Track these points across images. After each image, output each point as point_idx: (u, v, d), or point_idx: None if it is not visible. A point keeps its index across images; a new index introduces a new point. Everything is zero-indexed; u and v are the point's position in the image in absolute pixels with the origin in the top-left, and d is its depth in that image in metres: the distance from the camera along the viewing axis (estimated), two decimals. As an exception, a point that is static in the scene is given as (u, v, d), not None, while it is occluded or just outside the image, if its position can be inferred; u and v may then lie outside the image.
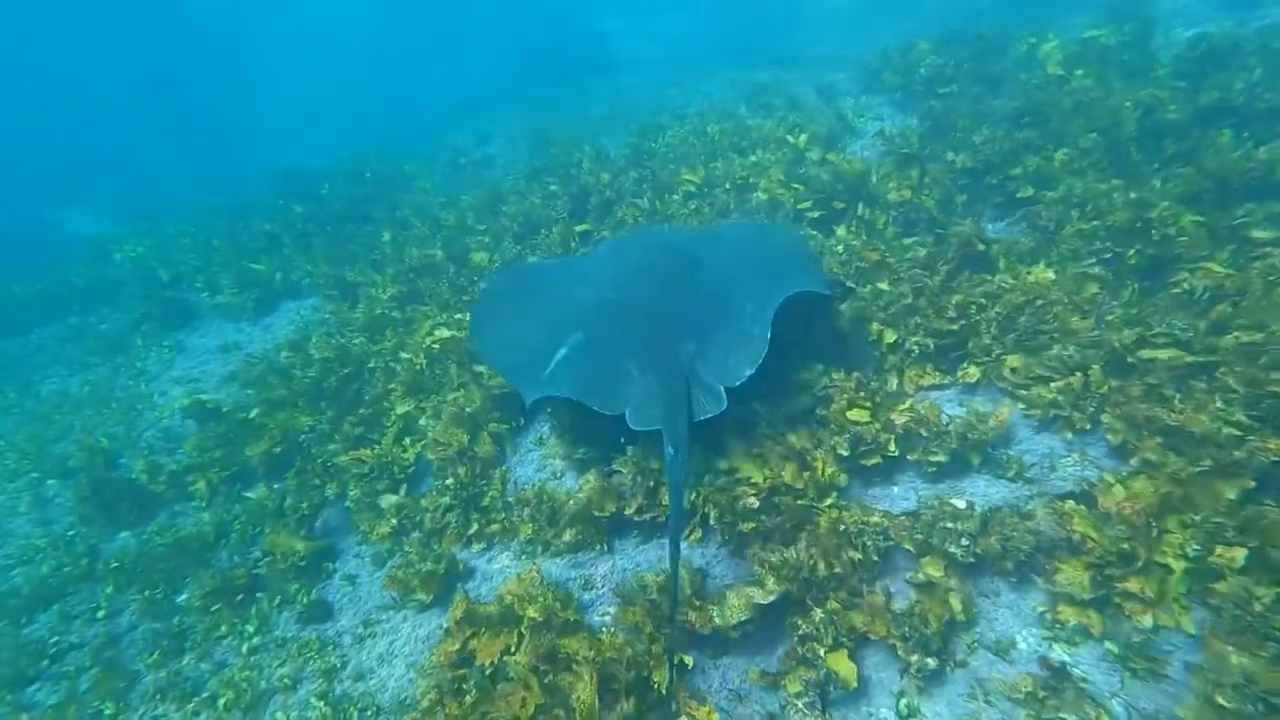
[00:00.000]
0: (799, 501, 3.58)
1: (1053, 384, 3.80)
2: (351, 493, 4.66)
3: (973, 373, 4.17)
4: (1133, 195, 4.69)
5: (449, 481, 4.44)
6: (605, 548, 3.95)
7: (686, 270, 4.52)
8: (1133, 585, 2.88)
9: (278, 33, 26.13)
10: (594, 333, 4.13)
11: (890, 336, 4.38)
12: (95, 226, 16.25)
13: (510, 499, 4.35)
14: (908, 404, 3.92)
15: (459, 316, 5.80)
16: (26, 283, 9.51)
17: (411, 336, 5.82)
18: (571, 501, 4.00)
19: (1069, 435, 3.69)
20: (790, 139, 7.45)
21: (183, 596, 4.57)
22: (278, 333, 7.20)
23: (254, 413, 5.54)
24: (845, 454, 3.77)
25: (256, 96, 21.64)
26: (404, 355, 5.56)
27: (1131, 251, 4.36)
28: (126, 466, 5.68)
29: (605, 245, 5.92)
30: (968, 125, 6.48)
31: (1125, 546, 2.92)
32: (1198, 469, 3.09)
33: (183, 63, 24.86)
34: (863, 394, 3.95)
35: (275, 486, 5.00)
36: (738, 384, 3.67)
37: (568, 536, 3.97)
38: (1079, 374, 3.74)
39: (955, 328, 4.25)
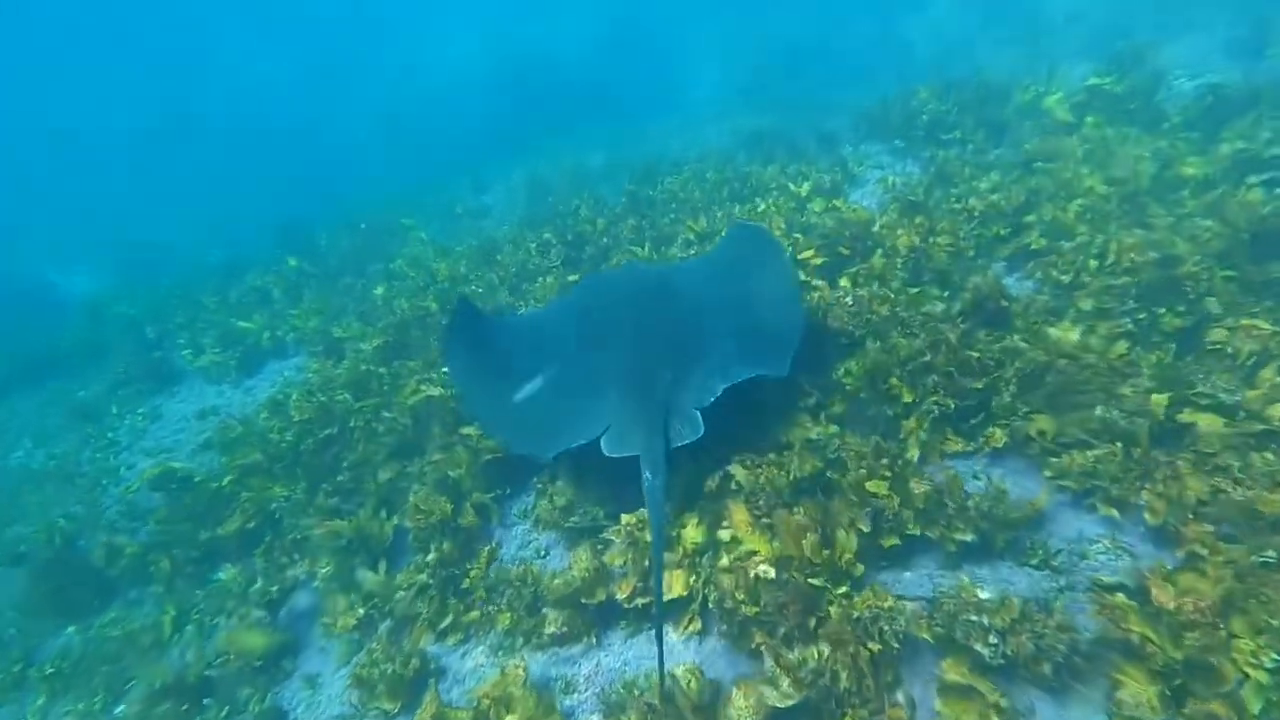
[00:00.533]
0: (810, 581, 3.20)
1: (1089, 452, 3.45)
2: (323, 570, 4.26)
3: (998, 436, 3.83)
4: (1156, 250, 4.44)
5: (429, 557, 4.07)
6: (592, 640, 3.54)
7: (663, 300, 4.52)
8: (1217, 708, 2.47)
9: (287, 80, 26.43)
10: (570, 365, 4.17)
11: (908, 396, 4.05)
12: (97, 283, 16.13)
13: (493, 578, 3.96)
14: (927, 475, 3.57)
15: (447, 371, 5.51)
16: (14, 344, 9.25)
17: (397, 394, 5.50)
18: (557, 582, 3.61)
19: (1103, 513, 3.33)
20: (792, 186, 7.28)
21: (121, 708, 4.08)
22: (259, 395, 6.86)
23: (226, 480, 5.17)
24: (866, 530, 3.40)
25: (269, 145, 21.66)
26: (386, 415, 5.23)
27: (1164, 310, 4.09)
28: (85, 549, 5.20)
29: (579, 284, 5.98)
30: (974, 172, 6.29)
31: (1196, 652, 2.54)
32: (1261, 559, 2.74)
33: (196, 111, 25.03)
34: (883, 461, 3.60)
35: (242, 566, 4.60)
36: (711, 400, 3.68)
37: (550, 628, 3.57)
38: (1117, 442, 3.41)
39: (978, 386, 3.93)
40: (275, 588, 4.33)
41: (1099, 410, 3.54)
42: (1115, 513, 3.29)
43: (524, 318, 5.69)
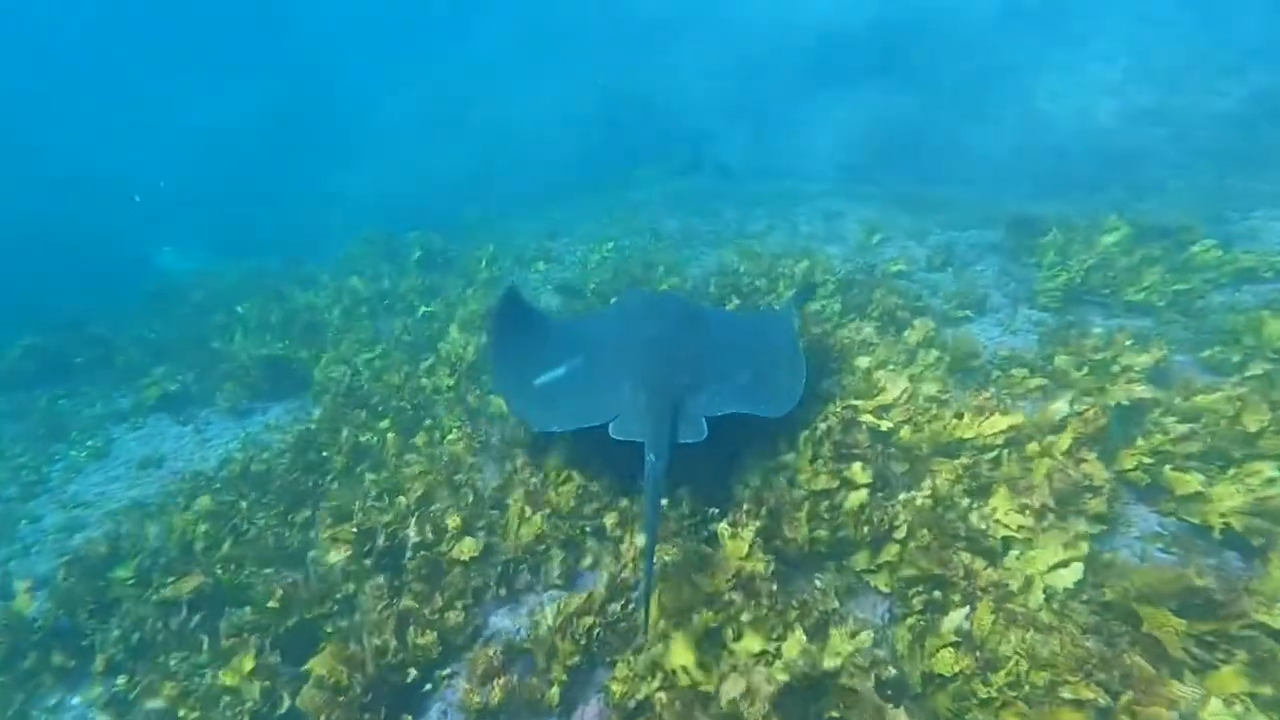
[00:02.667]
0: None
1: None
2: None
3: None
4: None
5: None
6: None
7: (691, 325, 4.83)
8: None
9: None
10: (594, 357, 4.49)
11: None
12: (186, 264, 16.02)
13: None
14: None
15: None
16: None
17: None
18: None
19: None
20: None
21: None
22: (211, 453, 5.76)
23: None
24: None
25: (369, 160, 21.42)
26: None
27: None
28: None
29: (620, 298, 6.62)
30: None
31: None
32: None
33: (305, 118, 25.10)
34: None
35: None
36: (719, 414, 3.89)
37: None
38: None
39: None
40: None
41: None
42: None
43: (564, 318, 6.24)
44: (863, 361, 4.90)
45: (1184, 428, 4.06)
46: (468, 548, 3.75)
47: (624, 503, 4.06)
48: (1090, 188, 11.90)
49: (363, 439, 4.95)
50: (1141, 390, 4.56)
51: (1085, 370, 4.99)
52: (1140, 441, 4.02)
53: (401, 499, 4.16)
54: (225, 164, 21.90)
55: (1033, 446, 3.90)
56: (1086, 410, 4.07)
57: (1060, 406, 4.11)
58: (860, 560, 3.55)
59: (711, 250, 9.75)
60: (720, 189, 14.23)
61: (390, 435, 4.91)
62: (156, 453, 5.86)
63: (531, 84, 23.26)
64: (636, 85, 19.83)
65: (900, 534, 3.49)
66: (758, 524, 3.49)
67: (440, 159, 20.32)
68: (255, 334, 7.59)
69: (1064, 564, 3.29)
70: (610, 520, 3.94)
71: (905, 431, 4.16)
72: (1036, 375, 4.92)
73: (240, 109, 25.17)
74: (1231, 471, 3.72)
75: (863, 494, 3.75)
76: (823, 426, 4.11)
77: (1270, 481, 3.61)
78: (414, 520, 3.83)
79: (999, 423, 4.03)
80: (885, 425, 4.13)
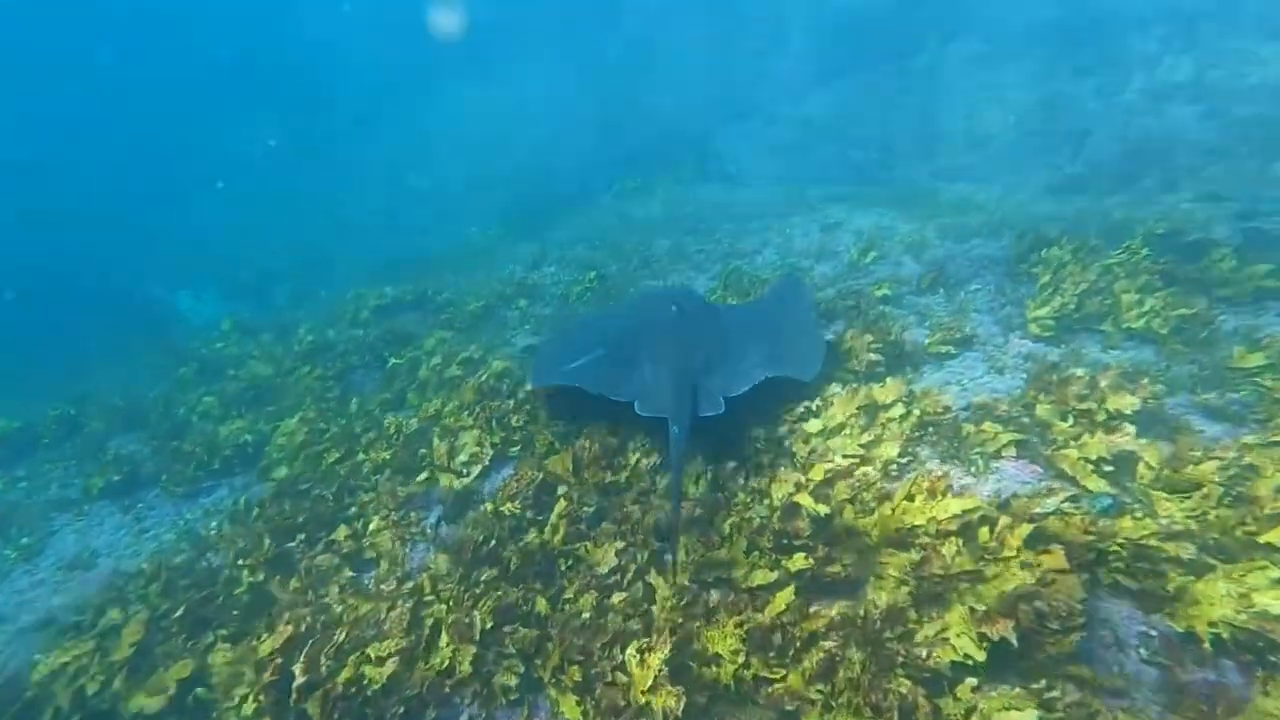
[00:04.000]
0: None
1: None
2: None
3: None
4: None
5: None
6: None
7: (706, 316, 5.32)
8: None
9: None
10: (617, 344, 4.88)
11: None
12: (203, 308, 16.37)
13: None
14: None
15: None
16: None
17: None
18: None
19: None
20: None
21: None
22: (149, 544, 5.41)
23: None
24: None
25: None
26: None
27: None
28: None
29: (636, 293, 7.82)
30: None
31: None
32: None
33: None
34: None
35: None
36: (736, 394, 4.23)
37: None
38: None
39: None
40: None
41: None
42: None
43: (588, 314, 7.35)
44: (813, 426, 4.47)
45: (1174, 507, 3.56)
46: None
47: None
48: (1119, 179, 11.05)
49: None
50: (1125, 440, 4.07)
51: (1070, 421, 4.50)
52: (1125, 522, 3.52)
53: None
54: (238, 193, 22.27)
55: (986, 536, 3.45)
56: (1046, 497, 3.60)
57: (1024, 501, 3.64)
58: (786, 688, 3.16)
59: (698, 274, 9.36)
60: (723, 199, 13.77)
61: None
62: (88, 549, 5.53)
63: (541, 90, 22.97)
64: (639, 91, 19.37)
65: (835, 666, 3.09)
66: (668, 649, 3.15)
67: (453, 176, 20.29)
68: (217, 402, 7.47)
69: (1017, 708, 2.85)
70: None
71: (848, 513, 3.75)
72: (1010, 430, 4.43)
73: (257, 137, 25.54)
74: (1228, 568, 3.21)
75: (789, 594, 3.39)
76: (759, 514, 3.75)
77: (1276, 583, 3.09)
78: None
79: (951, 506, 3.59)
80: (822, 509, 3.71)
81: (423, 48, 26.21)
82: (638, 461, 4.48)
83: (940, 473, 3.79)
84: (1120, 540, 3.42)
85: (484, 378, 5.93)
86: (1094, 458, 4.11)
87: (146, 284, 17.04)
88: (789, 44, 17.25)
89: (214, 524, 5.19)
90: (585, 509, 4.05)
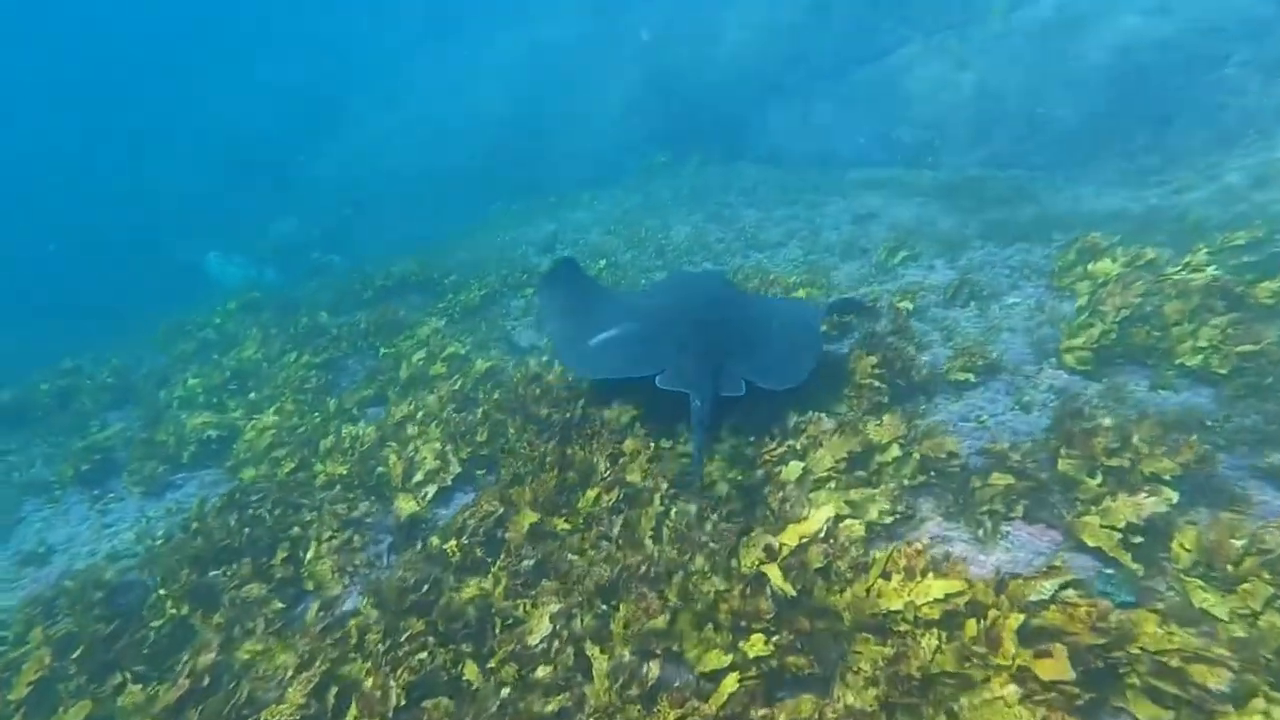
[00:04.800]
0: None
1: None
2: None
3: None
4: None
5: None
6: None
7: (731, 303, 5.33)
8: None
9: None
10: (644, 322, 4.90)
11: None
12: (231, 270, 16.45)
13: None
14: None
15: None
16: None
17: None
18: None
19: None
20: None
21: None
22: (106, 543, 5.18)
23: None
24: None
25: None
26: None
27: None
28: None
29: (667, 276, 7.76)
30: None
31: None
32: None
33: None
34: None
35: None
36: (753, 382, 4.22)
37: None
38: None
39: None
40: None
41: None
42: None
43: (614, 289, 7.12)
44: (794, 470, 3.92)
45: (1215, 601, 2.95)
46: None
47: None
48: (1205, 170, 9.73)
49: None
50: (1159, 505, 3.46)
51: (1098, 479, 3.87)
52: (1148, 623, 2.93)
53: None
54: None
55: (973, 630, 2.91)
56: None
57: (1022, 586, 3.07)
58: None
59: (715, 266, 8.77)
60: (757, 179, 12.99)
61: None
62: (46, 544, 5.27)
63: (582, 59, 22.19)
64: (679, 60, 18.41)
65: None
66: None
67: (476, 147, 19.87)
68: (200, 386, 7.21)
69: None
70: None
71: (819, 591, 3.24)
72: (1026, 483, 3.82)
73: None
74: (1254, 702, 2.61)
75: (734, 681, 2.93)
76: (718, 584, 3.26)
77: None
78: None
79: (932, 589, 3.05)
80: (790, 591, 3.20)
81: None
82: (597, 498, 4.02)
83: (921, 545, 3.22)
84: (1140, 644, 2.84)
85: (457, 385, 5.54)
86: (1121, 525, 3.51)
87: (176, 247, 17.21)
88: (831, 12, 16.04)
89: (160, 532, 4.95)
90: (525, 562, 3.62)
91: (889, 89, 14.69)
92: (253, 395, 6.86)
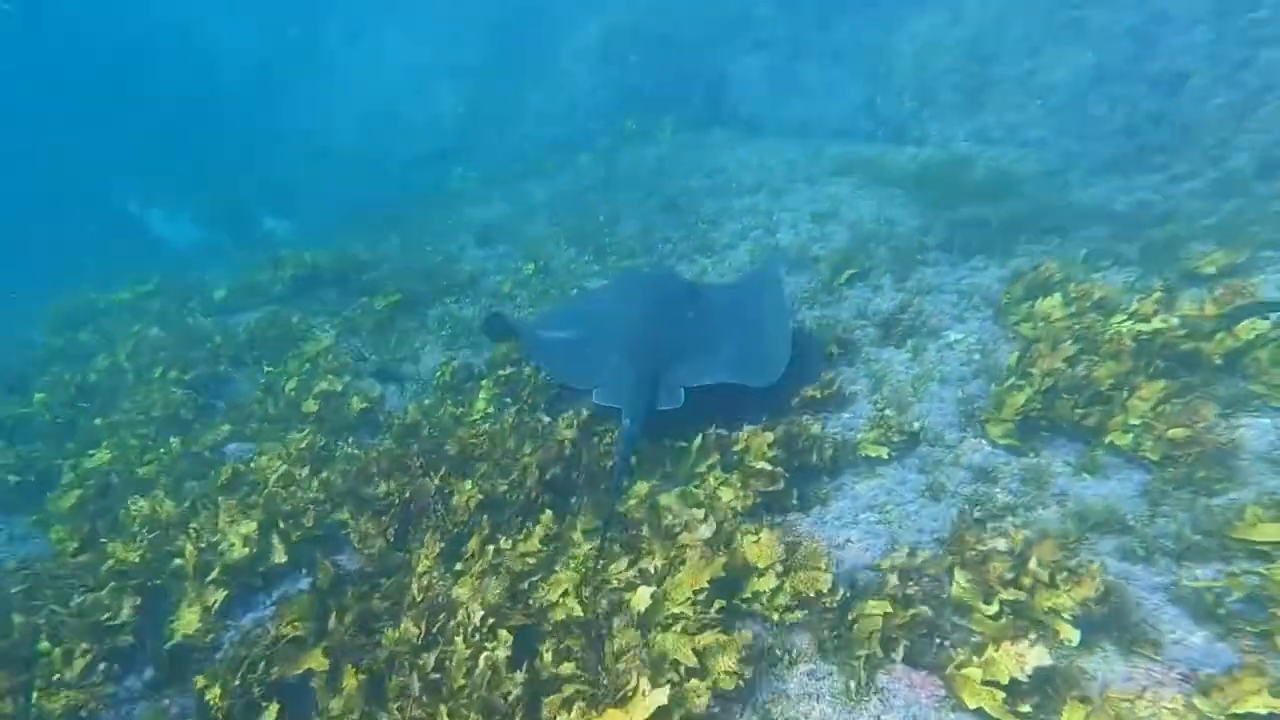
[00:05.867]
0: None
1: None
2: None
3: None
4: None
5: None
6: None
7: (681, 301, 5.32)
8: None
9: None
10: (590, 328, 5.21)
11: None
12: (179, 231, 15.88)
13: None
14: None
15: None
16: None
17: None
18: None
19: None
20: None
21: None
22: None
23: None
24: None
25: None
26: None
27: None
28: None
29: (617, 275, 7.83)
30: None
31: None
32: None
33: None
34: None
35: None
36: (694, 385, 4.44)
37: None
38: None
39: None
40: None
41: None
42: None
43: (572, 297, 7.31)
44: (640, 602, 3.44)
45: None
46: None
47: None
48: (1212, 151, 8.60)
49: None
50: (1039, 657, 3.05)
51: (994, 607, 3.45)
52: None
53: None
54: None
55: None
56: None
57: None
58: None
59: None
60: (724, 158, 12.12)
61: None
62: None
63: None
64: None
65: None
66: None
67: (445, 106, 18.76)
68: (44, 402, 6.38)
69: None
70: None
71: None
72: (908, 615, 3.40)
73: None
74: None
75: None
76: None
77: None
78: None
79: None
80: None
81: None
82: (404, 631, 3.52)
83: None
84: None
85: (305, 443, 4.97)
86: (1005, 682, 3.11)
87: (117, 196, 16.51)
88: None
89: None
90: None
91: (877, 48, 13.54)
92: (99, 420, 6.11)
